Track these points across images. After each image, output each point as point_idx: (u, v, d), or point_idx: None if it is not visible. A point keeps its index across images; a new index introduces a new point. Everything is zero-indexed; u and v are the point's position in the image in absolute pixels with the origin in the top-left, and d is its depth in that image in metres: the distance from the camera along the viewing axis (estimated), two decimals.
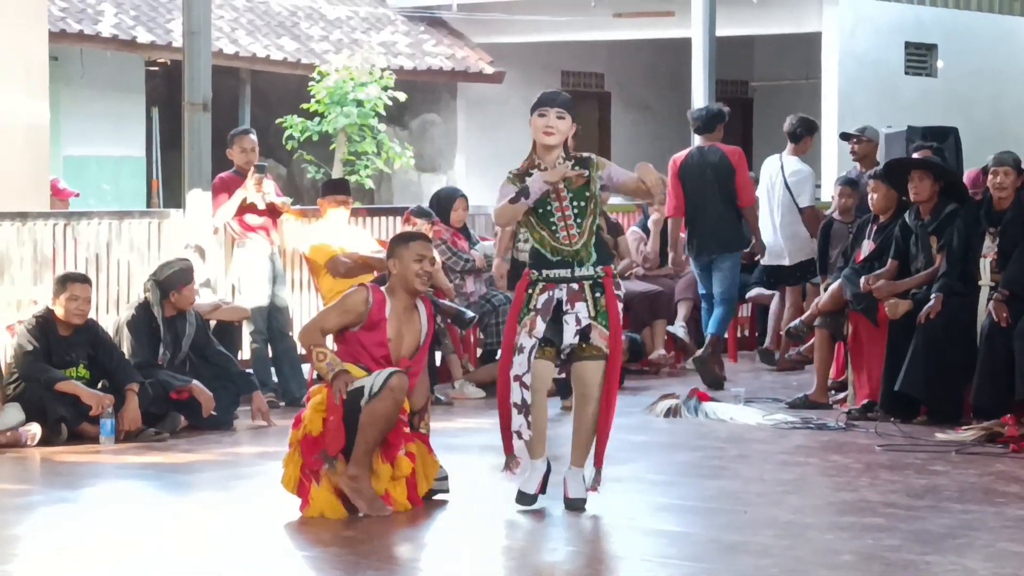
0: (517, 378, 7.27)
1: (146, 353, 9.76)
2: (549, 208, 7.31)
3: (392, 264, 7.51)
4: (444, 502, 7.50)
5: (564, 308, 7.28)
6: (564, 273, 7.31)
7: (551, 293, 7.31)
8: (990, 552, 6.50)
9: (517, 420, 7.28)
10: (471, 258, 11.43)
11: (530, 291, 7.34)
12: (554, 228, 7.32)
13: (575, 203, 7.31)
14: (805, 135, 12.73)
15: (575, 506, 7.30)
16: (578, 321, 7.27)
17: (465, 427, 9.83)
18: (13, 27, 11.38)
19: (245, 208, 10.84)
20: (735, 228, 11.72)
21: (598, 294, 7.32)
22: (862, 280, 10.16)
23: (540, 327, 7.28)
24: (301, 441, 7.31)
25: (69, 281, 9.52)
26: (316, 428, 7.28)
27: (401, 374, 7.29)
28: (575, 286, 7.31)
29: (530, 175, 7.33)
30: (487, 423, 8.25)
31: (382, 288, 7.54)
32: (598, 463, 7.38)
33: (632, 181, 7.42)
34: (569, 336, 7.28)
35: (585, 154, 7.43)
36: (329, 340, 7.50)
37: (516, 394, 7.27)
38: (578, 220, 7.32)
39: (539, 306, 7.30)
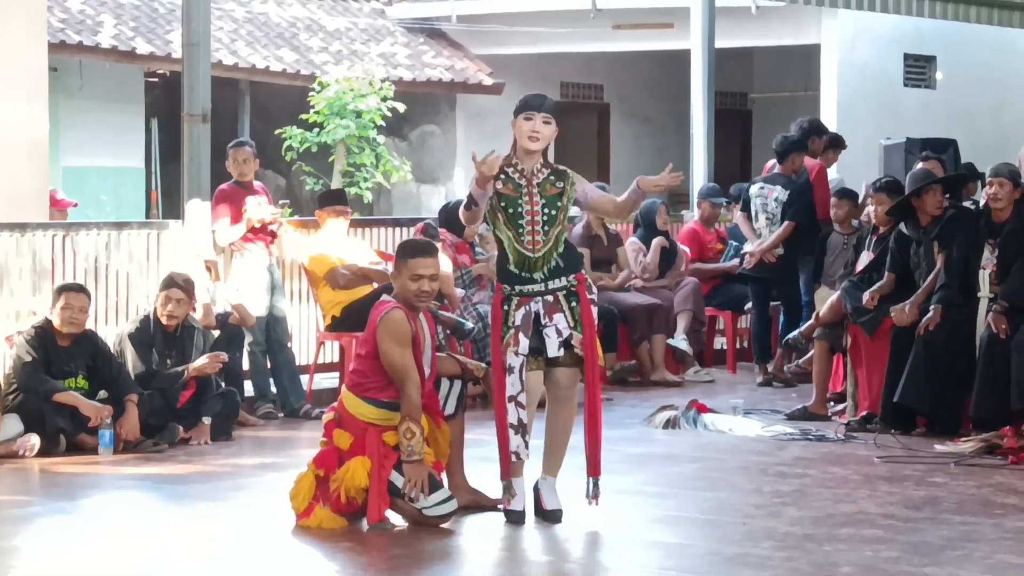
0: (512, 399, 7.24)
1: (147, 365, 9.77)
2: (519, 210, 7.26)
3: (394, 277, 7.40)
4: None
5: (543, 322, 7.25)
6: (537, 287, 7.27)
7: (528, 307, 7.26)
8: (989, 564, 6.49)
9: (515, 441, 7.25)
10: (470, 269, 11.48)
11: (506, 307, 7.29)
12: (520, 231, 7.26)
13: (546, 210, 7.27)
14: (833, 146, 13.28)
15: (553, 518, 7.27)
16: (559, 333, 7.26)
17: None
18: (13, 38, 11.38)
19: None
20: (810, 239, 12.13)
21: (574, 303, 7.29)
22: (864, 297, 10.14)
23: (524, 343, 7.24)
24: (325, 480, 7.18)
25: (64, 291, 9.54)
26: (354, 486, 7.13)
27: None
28: (550, 298, 7.27)
29: (505, 173, 7.31)
30: (486, 435, 8.23)
31: (393, 299, 7.30)
32: (596, 472, 7.36)
33: (604, 200, 7.46)
34: (553, 349, 7.26)
35: (561, 167, 7.41)
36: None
37: (512, 415, 7.24)
38: (546, 228, 7.26)
39: (518, 322, 7.25)
